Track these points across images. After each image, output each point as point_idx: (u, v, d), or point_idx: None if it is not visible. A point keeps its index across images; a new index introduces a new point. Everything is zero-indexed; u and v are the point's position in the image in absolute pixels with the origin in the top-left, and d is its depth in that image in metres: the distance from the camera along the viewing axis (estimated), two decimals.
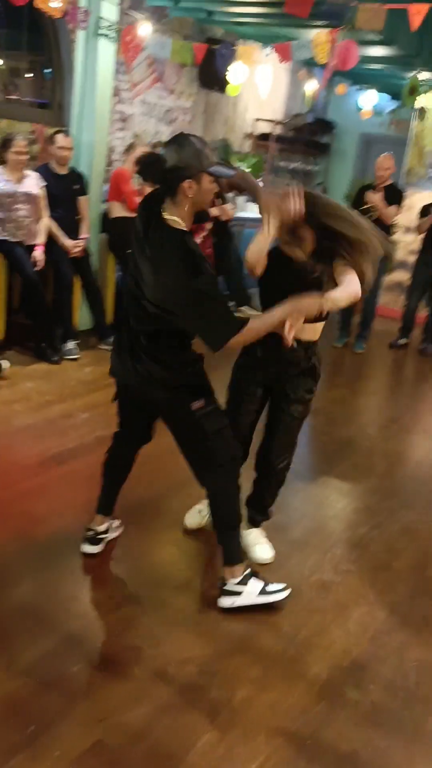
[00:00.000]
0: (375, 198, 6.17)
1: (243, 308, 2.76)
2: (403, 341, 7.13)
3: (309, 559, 3.05)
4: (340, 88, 7.45)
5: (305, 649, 2.49)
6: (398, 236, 8.40)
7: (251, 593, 2.62)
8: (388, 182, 6.33)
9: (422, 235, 6.94)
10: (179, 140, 2.32)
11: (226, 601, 2.62)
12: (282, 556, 3.03)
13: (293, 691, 2.29)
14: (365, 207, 6.06)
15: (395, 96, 9.46)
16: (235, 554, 2.67)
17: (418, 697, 2.35)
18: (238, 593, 2.62)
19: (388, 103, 9.71)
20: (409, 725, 2.23)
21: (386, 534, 3.39)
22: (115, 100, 6.46)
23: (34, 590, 2.61)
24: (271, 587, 2.65)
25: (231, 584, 2.63)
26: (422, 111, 8.17)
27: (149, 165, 4.34)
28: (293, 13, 4.79)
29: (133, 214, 4.88)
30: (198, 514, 3.17)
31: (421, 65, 6.81)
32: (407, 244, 8.13)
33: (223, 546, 2.68)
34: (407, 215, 7.41)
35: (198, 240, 6.40)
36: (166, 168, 2.30)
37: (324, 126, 9.85)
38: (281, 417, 2.82)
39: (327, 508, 3.61)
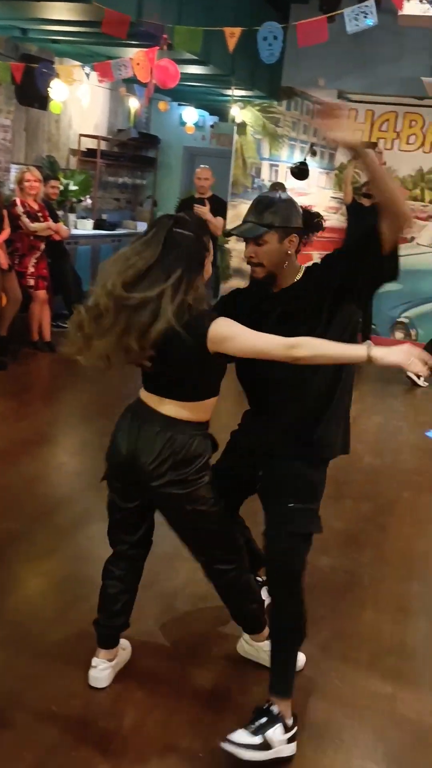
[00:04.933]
0: (203, 210, 6.36)
1: None
2: None
3: (180, 571, 3.07)
4: (162, 105, 7.61)
5: (188, 662, 2.52)
6: (232, 245, 8.71)
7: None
8: (209, 194, 6.60)
9: None
10: None
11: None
12: (152, 573, 3.03)
13: (180, 706, 2.31)
14: None
15: (214, 112, 9.84)
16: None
17: (296, 687, 2.46)
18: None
19: (208, 118, 10.07)
20: None
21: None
22: None
23: None
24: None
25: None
26: (242, 125, 8.55)
27: None
28: (110, 33, 4.83)
29: None
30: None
31: (236, 83, 7.14)
32: (240, 252, 8.44)
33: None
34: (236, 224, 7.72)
35: (32, 261, 6.27)
36: None
37: (149, 141, 9.99)
38: None
39: None
